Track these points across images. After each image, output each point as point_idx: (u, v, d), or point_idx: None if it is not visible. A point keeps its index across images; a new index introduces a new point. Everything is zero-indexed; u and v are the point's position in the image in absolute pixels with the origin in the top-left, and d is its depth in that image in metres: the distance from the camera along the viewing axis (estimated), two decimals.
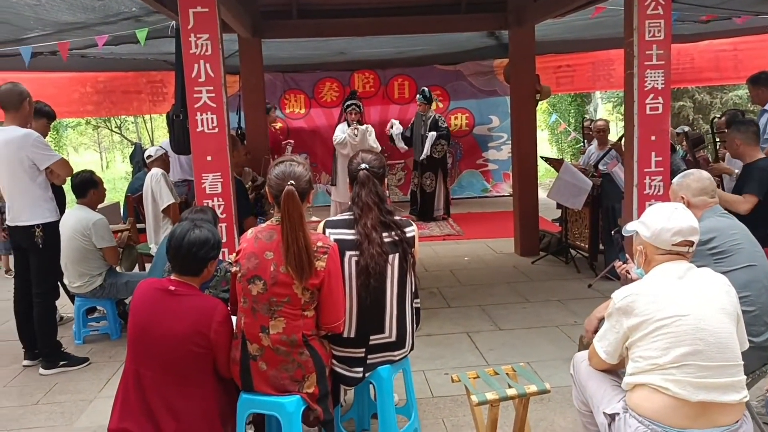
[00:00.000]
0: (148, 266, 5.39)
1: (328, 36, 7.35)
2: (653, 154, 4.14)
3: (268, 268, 2.53)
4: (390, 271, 2.74)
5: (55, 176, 4.27)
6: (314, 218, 6.48)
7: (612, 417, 2.30)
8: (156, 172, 5.30)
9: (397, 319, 2.79)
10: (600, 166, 6.19)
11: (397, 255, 2.75)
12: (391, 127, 8.89)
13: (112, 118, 16.86)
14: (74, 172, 4.55)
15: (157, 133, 18.34)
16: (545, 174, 12.38)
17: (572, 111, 15.91)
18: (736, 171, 4.53)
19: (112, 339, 4.86)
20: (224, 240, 3.80)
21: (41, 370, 4.27)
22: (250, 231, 2.69)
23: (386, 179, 2.95)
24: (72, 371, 4.28)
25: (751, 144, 4.18)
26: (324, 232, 2.75)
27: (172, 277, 2.68)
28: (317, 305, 2.60)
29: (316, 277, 2.53)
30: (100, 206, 4.97)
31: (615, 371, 2.45)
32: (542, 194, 7.63)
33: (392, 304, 2.77)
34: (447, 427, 3.31)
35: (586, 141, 8.63)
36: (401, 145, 8.97)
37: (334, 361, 2.76)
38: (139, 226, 5.75)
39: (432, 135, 8.71)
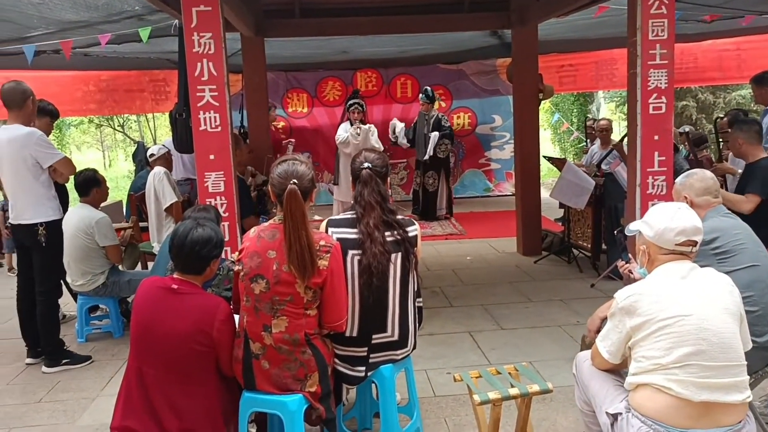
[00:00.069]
0: (150, 265, 5.39)
1: (331, 35, 7.35)
2: (656, 153, 4.13)
3: (271, 266, 2.53)
4: (392, 271, 2.74)
5: (58, 175, 4.28)
6: (317, 217, 6.48)
7: (615, 417, 2.29)
8: (159, 170, 5.31)
9: (399, 318, 2.79)
10: (603, 166, 6.18)
11: (399, 254, 2.75)
12: (394, 132, 8.86)
13: (114, 117, 16.88)
14: (77, 170, 4.55)
15: (159, 132, 18.37)
16: (548, 173, 12.37)
17: (575, 110, 15.89)
18: (739, 171, 4.53)
19: (115, 337, 4.87)
20: (227, 239, 3.80)
21: (44, 368, 4.28)
22: (252, 230, 2.69)
23: (389, 178, 2.95)
24: (75, 369, 4.28)
25: (754, 143, 4.17)
26: (327, 231, 2.75)
27: (175, 275, 2.69)
28: (320, 304, 2.60)
29: (318, 276, 2.54)
30: (102, 205, 4.98)
31: (618, 371, 2.45)
32: (545, 194, 7.62)
33: (394, 303, 2.77)
34: (449, 427, 3.31)
35: (588, 140, 8.62)
36: (404, 142, 8.96)
37: (337, 360, 2.76)
38: (141, 224, 5.76)
39: (435, 135, 8.71)
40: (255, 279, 2.55)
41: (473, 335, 4.58)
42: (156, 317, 2.57)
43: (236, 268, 2.66)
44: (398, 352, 2.83)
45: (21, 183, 4.11)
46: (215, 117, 3.87)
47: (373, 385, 3.01)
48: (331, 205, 8.51)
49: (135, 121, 18.87)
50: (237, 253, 2.71)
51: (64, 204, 4.75)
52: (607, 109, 18.41)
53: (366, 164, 2.81)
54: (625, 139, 5.82)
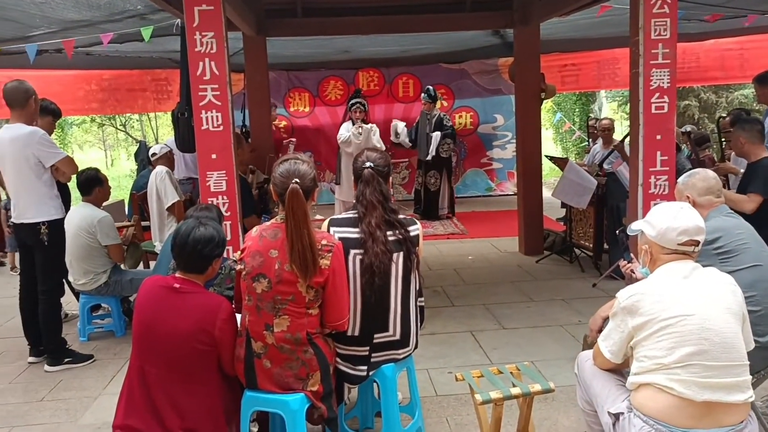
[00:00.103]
0: (152, 264, 5.40)
1: (333, 34, 7.35)
2: (659, 153, 4.13)
3: (273, 266, 2.53)
4: (394, 270, 2.74)
5: (60, 174, 4.28)
6: (318, 216, 6.49)
7: (616, 416, 2.29)
8: (160, 170, 5.31)
9: (401, 317, 2.79)
10: (605, 165, 6.18)
11: (401, 253, 2.75)
12: (396, 134, 8.85)
13: (116, 116, 16.91)
14: (79, 169, 4.56)
15: (161, 131, 18.40)
16: (550, 173, 12.37)
17: (577, 110, 15.89)
18: (741, 171, 4.52)
19: (117, 336, 4.87)
20: (228, 238, 3.80)
21: (46, 367, 4.29)
22: (254, 229, 2.69)
23: (391, 178, 2.95)
24: (77, 368, 4.29)
25: (756, 142, 4.16)
26: (328, 231, 2.75)
27: (177, 274, 2.69)
28: (321, 303, 2.60)
29: (320, 276, 2.54)
30: (104, 204, 4.98)
31: (619, 371, 2.45)
32: (547, 193, 7.61)
33: (396, 303, 2.77)
34: (451, 426, 3.31)
35: (591, 140, 8.61)
36: (407, 141, 8.94)
37: (338, 360, 2.76)
38: (143, 223, 5.76)
39: (437, 135, 8.70)
40: (257, 278, 2.55)
41: (475, 335, 4.58)
42: (158, 316, 2.57)
43: (238, 267, 2.66)
44: (400, 351, 2.83)
45: (23, 182, 4.11)
46: (217, 116, 3.87)
47: (374, 384, 3.01)
48: (333, 204, 8.51)
49: (137, 121, 18.90)
50: (239, 252, 2.71)
51: (66, 203, 4.75)
52: (609, 108, 18.40)
53: (368, 164, 2.81)
54: (626, 140, 5.83)
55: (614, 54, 10.19)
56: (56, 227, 4.22)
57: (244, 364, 2.61)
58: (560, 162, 6.86)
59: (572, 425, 3.25)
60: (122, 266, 5.04)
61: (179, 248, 2.64)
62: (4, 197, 6.99)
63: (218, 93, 3.85)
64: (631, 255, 3.47)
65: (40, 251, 4.19)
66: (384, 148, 7.55)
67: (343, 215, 2.85)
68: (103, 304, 5.12)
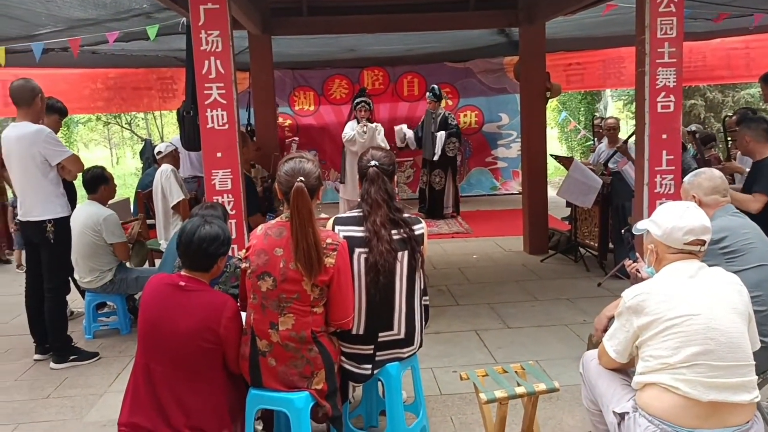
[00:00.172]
0: (158, 262, 5.41)
1: (338, 33, 7.35)
2: (664, 152, 4.11)
3: (278, 264, 2.54)
4: (399, 269, 2.74)
5: (66, 172, 4.29)
6: (323, 215, 6.48)
7: (621, 416, 2.29)
8: (166, 168, 5.32)
9: (405, 316, 2.79)
10: (610, 165, 6.16)
11: (406, 252, 2.75)
12: (403, 140, 8.82)
13: (122, 115, 16.94)
14: (85, 168, 4.57)
15: (166, 130, 18.42)
16: (555, 172, 12.34)
17: (582, 109, 15.84)
18: (747, 170, 4.50)
19: (122, 334, 4.89)
20: (234, 236, 3.81)
21: (52, 365, 4.30)
22: (260, 227, 2.69)
23: (396, 176, 2.95)
24: (82, 366, 4.30)
25: (761, 141, 4.15)
26: (333, 229, 2.75)
27: (183, 272, 2.69)
28: (326, 302, 2.61)
29: (325, 274, 2.54)
30: (110, 202, 5.00)
31: (625, 370, 2.44)
32: (552, 192, 7.60)
33: (401, 302, 2.77)
34: (455, 425, 3.31)
35: (596, 139, 8.59)
36: (413, 142, 8.93)
37: (343, 358, 2.76)
38: (149, 221, 5.78)
39: (442, 134, 8.69)
40: (262, 276, 2.55)
41: (479, 334, 4.57)
42: (163, 314, 2.58)
43: (243, 265, 2.66)
44: (404, 350, 2.83)
45: (30, 180, 4.12)
46: (223, 115, 3.88)
47: (379, 383, 3.01)
48: (337, 203, 8.51)
49: (142, 119, 18.92)
50: (244, 250, 2.71)
51: (72, 201, 4.77)
52: (615, 107, 18.34)
53: (373, 162, 2.81)
54: (630, 140, 5.82)
55: (620, 53, 10.16)
56: (62, 225, 4.23)
57: (249, 362, 2.62)
58: (565, 161, 6.85)
59: (577, 425, 3.25)
60: (128, 264, 5.06)
61: (185, 246, 2.65)
62: (11, 195, 7.02)
63: (223, 91, 3.85)
64: (637, 254, 3.46)
65: (46, 249, 4.20)
66: (388, 147, 7.55)
67: (348, 214, 2.85)
68: (108, 302, 5.14)
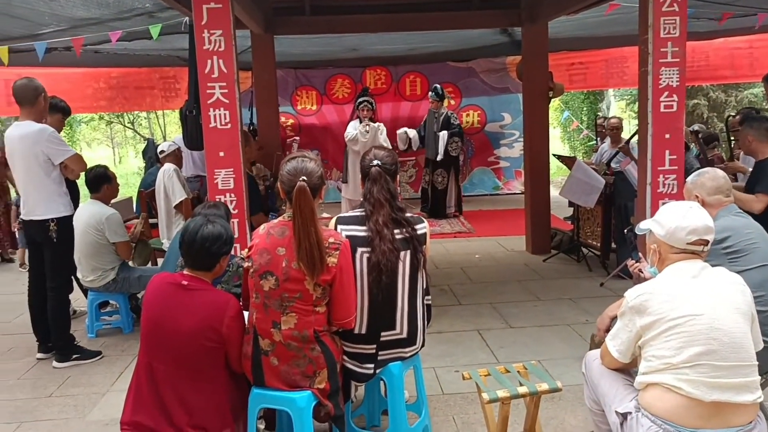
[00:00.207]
0: (160, 261, 5.42)
1: (341, 32, 7.35)
2: (667, 152, 4.11)
3: (280, 263, 2.54)
4: (401, 268, 2.74)
5: (69, 171, 4.30)
6: (325, 214, 6.49)
7: (624, 416, 2.29)
8: (168, 167, 5.32)
9: (408, 315, 2.79)
10: (612, 164, 6.16)
11: (408, 252, 2.75)
12: (407, 142, 8.79)
13: (124, 114, 16.97)
14: (88, 167, 4.58)
15: (169, 129, 18.46)
16: (557, 172, 12.33)
17: (585, 108, 15.84)
18: (750, 169, 4.49)
19: (125, 333, 4.90)
20: (236, 235, 3.81)
21: (55, 363, 4.31)
22: (262, 227, 2.70)
23: (398, 176, 2.95)
24: (85, 364, 4.31)
25: (764, 141, 4.13)
26: (336, 229, 2.75)
27: (185, 271, 2.70)
28: (329, 301, 2.61)
29: (327, 273, 2.54)
30: (113, 201, 5.00)
31: (627, 370, 2.44)
32: (554, 192, 7.59)
33: (403, 301, 2.77)
34: (457, 425, 3.31)
35: (599, 139, 8.58)
36: (417, 141, 8.92)
37: (345, 357, 2.76)
38: (151, 221, 5.79)
39: (444, 134, 8.69)
40: (264, 276, 2.55)
41: (482, 333, 4.57)
42: (166, 313, 2.58)
43: (246, 264, 2.67)
44: (407, 349, 2.83)
45: (32, 179, 4.13)
46: (225, 114, 3.88)
47: (381, 382, 3.01)
48: (339, 202, 8.51)
49: (145, 118, 18.96)
50: (246, 249, 2.71)
51: (75, 200, 4.77)
52: (617, 107, 18.33)
53: (375, 162, 2.81)
54: (633, 140, 5.81)
55: (622, 52, 10.15)
56: (65, 224, 4.24)
57: (251, 361, 2.62)
58: (568, 161, 6.84)
59: (579, 424, 3.25)
60: (130, 263, 5.06)
61: (187, 245, 2.65)
62: (14, 194, 7.04)
63: (226, 91, 3.86)
64: (639, 254, 3.46)
65: (49, 248, 4.21)
66: (391, 147, 7.55)
67: (351, 213, 2.85)
68: (111, 301, 5.15)
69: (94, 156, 20.02)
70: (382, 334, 2.75)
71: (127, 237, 4.82)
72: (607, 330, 2.71)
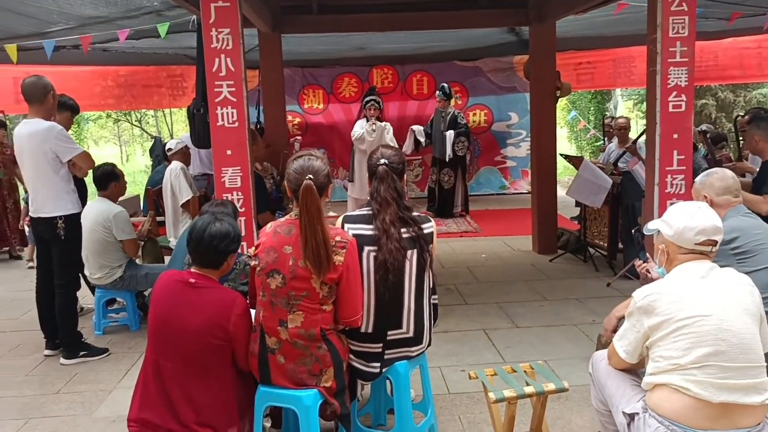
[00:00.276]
0: (167, 259, 5.43)
1: (348, 31, 7.36)
2: (675, 152, 4.09)
3: (287, 262, 2.54)
4: (408, 267, 2.74)
5: (77, 169, 4.32)
6: (332, 213, 6.50)
7: (631, 417, 2.28)
8: (175, 166, 5.34)
9: (414, 314, 2.79)
10: (620, 164, 6.14)
11: (415, 251, 2.75)
12: (415, 142, 8.78)
13: (132, 112, 17.03)
14: (96, 165, 4.59)
15: (176, 127, 18.50)
16: (564, 171, 12.30)
17: (592, 108, 15.79)
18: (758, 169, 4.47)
19: (132, 330, 4.91)
20: (243, 234, 3.82)
21: (62, 360, 4.33)
22: (269, 225, 2.70)
23: (405, 175, 2.95)
24: (92, 361, 4.33)
25: None
26: (343, 227, 2.75)
27: (192, 269, 2.70)
28: (335, 300, 2.61)
29: (334, 272, 2.54)
30: (120, 199, 5.02)
31: (635, 371, 2.43)
32: (561, 192, 7.58)
33: (410, 300, 2.77)
34: (463, 424, 3.31)
35: (606, 138, 8.56)
36: (426, 140, 8.91)
37: (352, 356, 2.76)
38: (158, 219, 5.80)
39: (450, 134, 8.68)
40: (271, 274, 2.55)
41: (488, 333, 4.57)
42: (173, 311, 2.59)
43: (253, 262, 2.67)
44: (413, 348, 2.83)
45: (41, 177, 4.15)
46: (232, 112, 3.89)
47: (387, 381, 3.01)
48: (346, 201, 8.52)
49: (152, 116, 19.02)
50: (253, 248, 2.72)
51: (83, 198, 4.79)
52: (625, 107, 18.27)
53: (383, 161, 2.81)
54: (640, 140, 5.79)
55: (630, 52, 10.11)
56: (73, 222, 4.25)
57: (257, 359, 2.62)
58: (575, 160, 6.83)
59: (586, 425, 3.24)
60: (137, 261, 5.08)
61: (195, 243, 2.66)
62: (22, 192, 7.07)
63: (234, 89, 3.87)
64: (647, 255, 3.45)
65: (57, 245, 4.23)
66: (397, 146, 7.54)
67: (357, 212, 2.85)
68: (118, 299, 5.17)
69: (102, 154, 20.09)
70: (389, 333, 2.75)
71: (134, 235, 4.84)
72: (614, 330, 2.71)
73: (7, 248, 7.55)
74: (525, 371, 2.92)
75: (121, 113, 17.04)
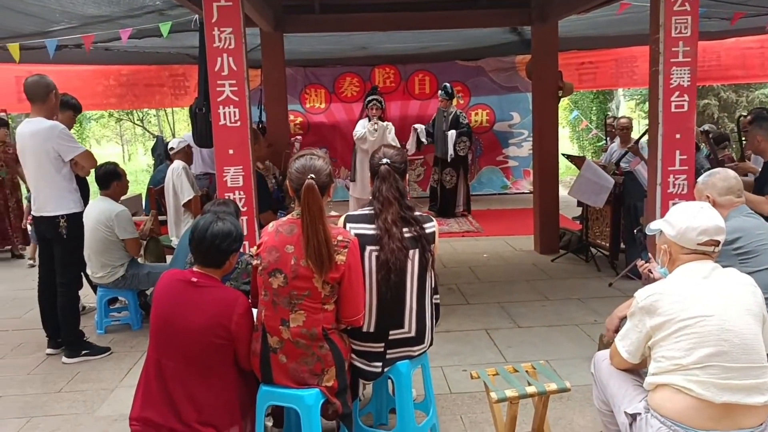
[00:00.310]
0: (169, 258, 5.44)
1: (350, 31, 7.36)
2: (678, 152, 4.09)
3: (289, 261, 2.54)
4: (410, 267, 2.74)
5: (79, 168, 4.32)
6: (333, 213, 6.50)
7: (633, 417, 2.28)
8: (177, 165, 5.34)
9: (416, 314, 2.78)
10: (622, 164, 6.13)
11: (417, 250, 2.75)
12: (417, 141, 8.79)
13: (134, 111, 17.05)
14: (98, 164, 4.60)
15: (178, 126, 18.54)
16: (566, 171, 12.29)
17: (594, 108, 15.78)
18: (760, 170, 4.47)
19: (133, 329, 4.92)
20: (245, 233, 3.82)
21: (64, 359, 4.33)
22: (271, 224, 2.70)
23: (407, 175, 2.95)
24: (94, 360, 4.33)
25: None
26: (344, 227, 2.75)
27: (195, 268, 2.70)
28: (337, 299, 2.61)
29: (336, 271, 2.54)
30: (122, 198, 5.03)
31: (637, 371, 2.43)
32: (563, 192, 7.57)
33: (412, 300, 2.77)
34: (465, 424, 3.31)
35: (608, 138, 8.55)
36: (428, 139, 8.91)
37: (354, 356, 2.76)
38: (160, 218, 5.81)
39: (452, 134, 8.68)
40: (273, 273, 2.55)
41: (490, 333, 4.56)
42: (176, 310, 2.59)
43: (255, 262, 2.67)
44: (415, 348, 2.83)
45: (43, 176, 4.15)
46: (235, 112, 3.89)
47: (389, 381, 3.01)
48: (347, 201, 8.52)
49: (154, 116, 19.05)
50: (255, 247, 2.72)
51: (85, 197, 4.79)
52: (627, 107, 18.25)
53: (385, 160, 2.81)
54: (642, 140, 5.78)
55: (632, 52, 10.11)
56: (75, 221, 4.26)
57: (259, 358, 2.63)
58: (577, 160, 6.82)
59: (588, 425, 3.24)
60: (139, 260, 5.08)
61: (197, 242, 2.66)
62: (25, 191, 7.09)
63: (236, 89, 3.87)
64: (649, 255, 3.44)
65: (59, 244, 4.23)
66: (399, 145, 7.54)
67: (360, 212, 2.85)
68: (120, 297, 5.17)
69: (104, 153, 20.13)
70: (391, 332, 2.75)
71: (136, 234, 4.84)
72: (616, 330, 2.70)
73: (9, 247, 7.56)
74: (527, 371, 2.92)
75: (123, 112, 17.06)
